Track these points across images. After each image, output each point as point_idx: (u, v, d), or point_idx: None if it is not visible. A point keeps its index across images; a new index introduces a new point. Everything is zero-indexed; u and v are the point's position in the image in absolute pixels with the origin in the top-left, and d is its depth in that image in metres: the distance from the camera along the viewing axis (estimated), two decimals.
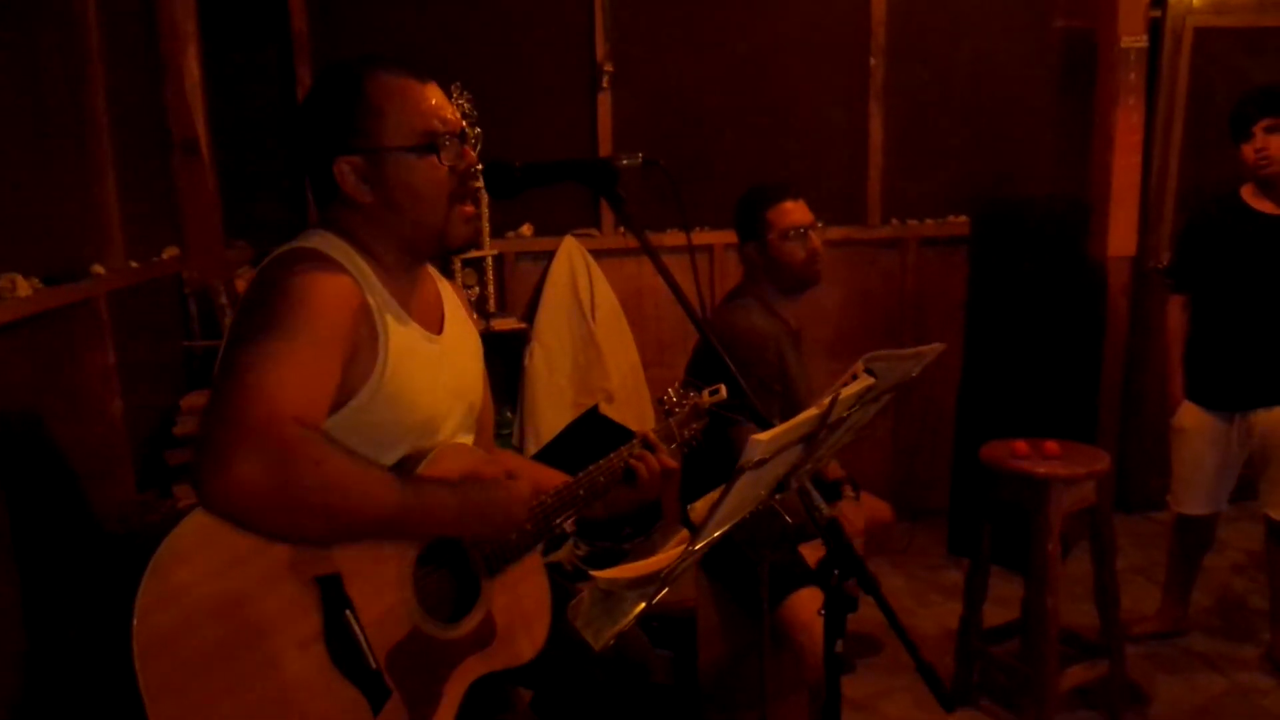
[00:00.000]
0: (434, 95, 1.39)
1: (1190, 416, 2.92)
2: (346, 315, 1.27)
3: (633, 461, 1.60)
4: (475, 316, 3.29)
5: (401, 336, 1.37)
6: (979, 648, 2.73)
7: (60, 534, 2.04)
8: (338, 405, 1.27)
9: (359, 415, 1.30)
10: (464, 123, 1.42)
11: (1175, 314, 2.97)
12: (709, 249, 3.70)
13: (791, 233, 2.39)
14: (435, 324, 1.48)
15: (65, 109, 2.35)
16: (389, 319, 1.35)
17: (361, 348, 1.30)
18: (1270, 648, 2.93)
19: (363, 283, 1.34)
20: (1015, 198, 3.85)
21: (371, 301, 1.33)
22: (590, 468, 1.57)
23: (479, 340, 1.62)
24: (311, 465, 1.12)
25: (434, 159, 1.36)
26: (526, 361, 3.48)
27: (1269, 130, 2.68)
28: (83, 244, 2.39)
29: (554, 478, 1.62)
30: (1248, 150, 2.72)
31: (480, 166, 1.42)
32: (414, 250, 1.43)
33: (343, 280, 1.29)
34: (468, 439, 1.53)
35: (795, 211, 2.41)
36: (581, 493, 1.54)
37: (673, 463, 1.64)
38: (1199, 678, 2.87)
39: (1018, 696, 2.71)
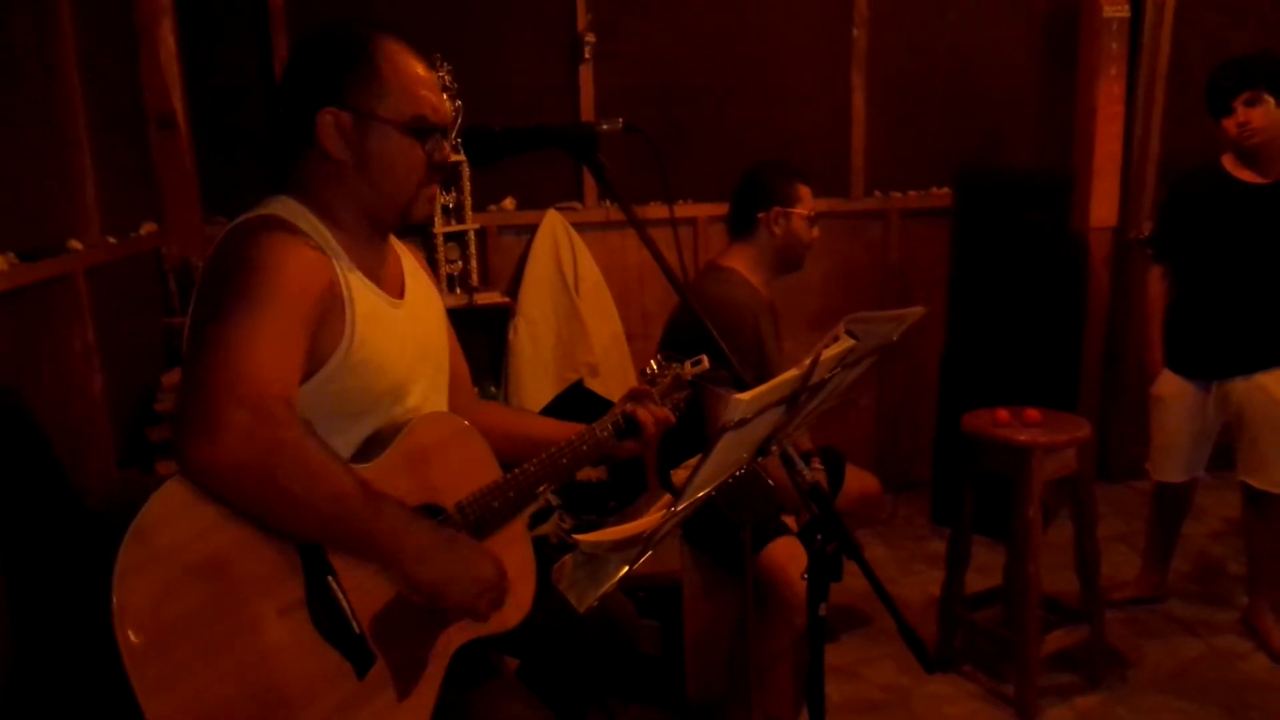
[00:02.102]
0: (433, 85, 1.40)
1: (1168, 385, 2.94)
2: (314, 284, 1.26)
3: (630, 406, 1.63)
4: (458, 290, 3.31)
5: (367, 303, 1.36)
6: (961, 614, 2.76)
7: (41, 511, 2.03)
8: (307, 375, 1.26)
9: (328, 384, 1.30)
10: (452, 118, 1.43)
11: (1155, 284, 2.99)
12: (692, 221, 3.69)
13: (812, 216, 2.50)
14: (397, 289, 1.48)
15: (37, 82, 2.31)
16: (354, 285, 1.35)
17: (329, 316, 1.29)
18: (1247, 612, 2.97)
19: (327, 249, 1.33)
20: (997, 169, 3.86)
21: (337, 269, 1.33)
22: (573, 439, 1.57)
23: (441, 303, 1.62)
24: (293, 444, 1.12)
25: (418, 144, 1.37)
26: (510, 336, 3.48)
27: (1249, 104, 2.69)
28: (58, 219, 2.37)
29: (547, 428, 1.64)
30: (1229, 124, 2.72)
31: (449, 162, 1.42)
32: (375, 219, 1.42)
33: (308, 247, 1.28)
34: (439, 401, 1.53)
35: (811, 199, 2.53)
36: (565, 461, 1.55)
37: (665, 411, 1.67)
38: (1177, 642, 2.92)
39: (999, 662, 2.75)
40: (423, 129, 1.36)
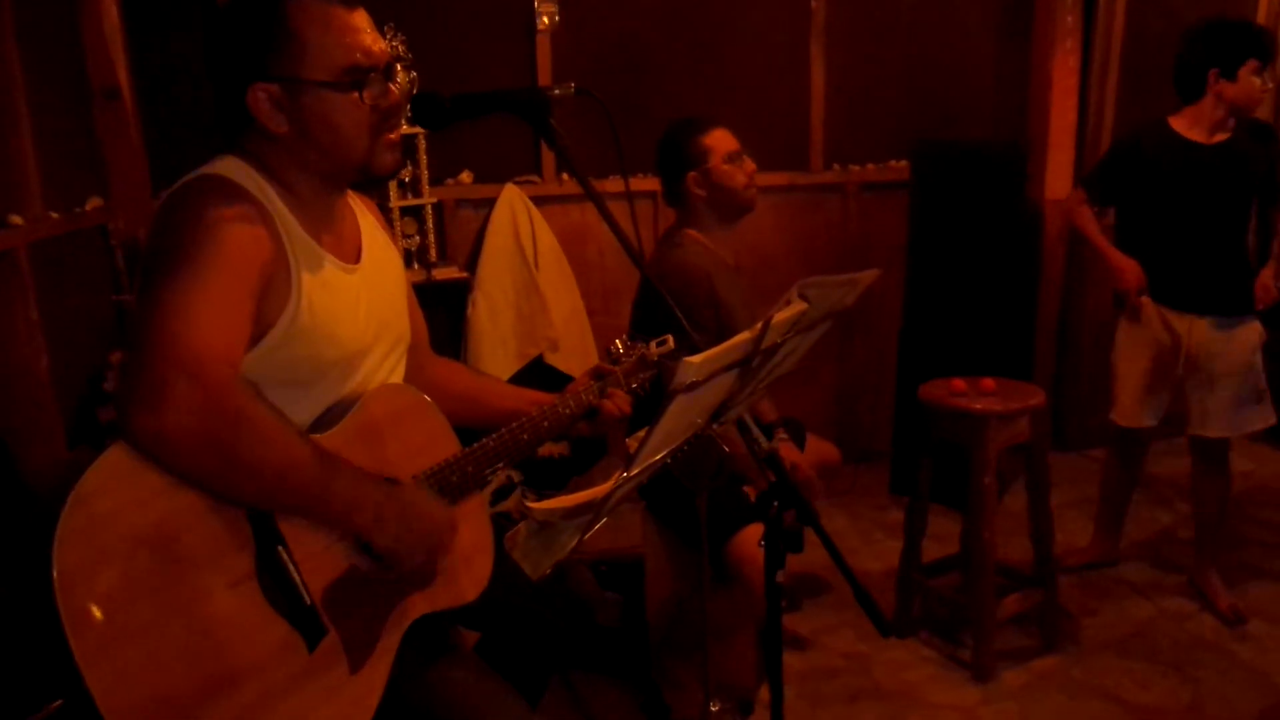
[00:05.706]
0: (360, 24, 1.32)
1: (1127, 331, 2.95)
2: (258, 247, 1.23)
3: (597, 397, 1.62)
4: (415, 265, 3.26)
5: (315, 269, 1.32)
6: (919, 581, 2.80)
7: None
8: (252, 342, 1.23)
9: (275, 353, 1.26)
10: (390, 55, 1.37)
11: (1085, 213, 2.95)
12: (651, 195, 3.66)
13: (732, 155, 2.40)
14: (352, 254, 1.43)
15: None
16: (300, 251, 1.31)
17: (274, 282, 1.25)
18: (1194, 575, 3.04)
19: (273, 213, 1.29)
20: (954, 142, 3.88)
21: (282, 233, 1.29)
22: (534, 414, 1.56)
23: (401, 264, 1.57)
24: (240, 410, 1.10)
25: (356, 96, 1.29)
26: (469, 311, 3.44)
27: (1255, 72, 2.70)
28: None
29: (509, 396, 1.64)
30: (1253, 84, 2.70)
31: (404, 102, 1.38)
32: (333, 180, 1.38)
33: (252, 211, 1.25)
34: (397, 370, 1.50)
35: (728, 137, 2.44)
36: (526, 437, 1.53)
37: (627, 408, 1.66)
38: (1128, 604, 2.99)
39: (956, 627, 2.80)
40: (357, 79, 1.29)
